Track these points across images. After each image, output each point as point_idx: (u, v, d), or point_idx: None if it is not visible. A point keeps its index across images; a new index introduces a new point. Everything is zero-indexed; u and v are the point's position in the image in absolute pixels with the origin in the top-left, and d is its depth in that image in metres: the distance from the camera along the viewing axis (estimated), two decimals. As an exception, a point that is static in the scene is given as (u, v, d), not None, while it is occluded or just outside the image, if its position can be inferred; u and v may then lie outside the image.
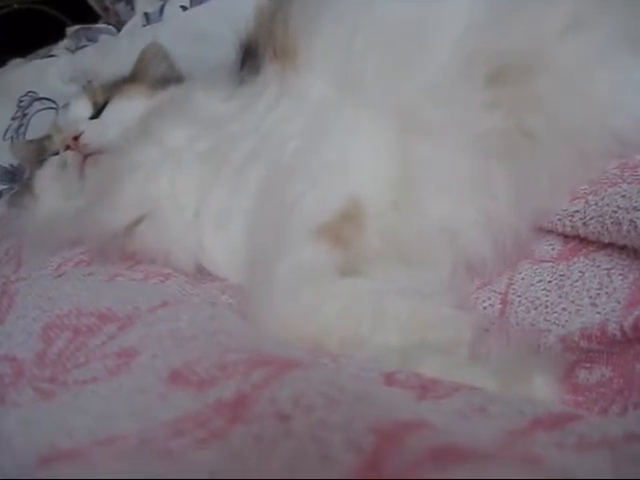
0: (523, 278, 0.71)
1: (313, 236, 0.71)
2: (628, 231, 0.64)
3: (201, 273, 0.82)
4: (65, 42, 1.53)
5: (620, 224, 0.64)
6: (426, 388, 0.49)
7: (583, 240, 0.70)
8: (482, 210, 0.72)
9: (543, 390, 0.56)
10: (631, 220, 0.63)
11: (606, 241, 0.67)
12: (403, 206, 0.74)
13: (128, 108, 0.98)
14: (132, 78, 1.09)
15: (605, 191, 0.68)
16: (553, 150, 0.72)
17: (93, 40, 1.48)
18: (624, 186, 0.67)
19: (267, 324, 0.65)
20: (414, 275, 0.72)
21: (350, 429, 0.34)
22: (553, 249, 0.71)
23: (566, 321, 0.63)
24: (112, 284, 0.74)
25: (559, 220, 0.71)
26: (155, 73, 1.09)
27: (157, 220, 0.84)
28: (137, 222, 0.85)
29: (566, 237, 0.72)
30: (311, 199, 0.74)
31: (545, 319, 0.65)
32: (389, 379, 0.52)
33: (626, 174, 0.69)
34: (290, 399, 0.38)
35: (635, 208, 0.63)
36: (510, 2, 0.76)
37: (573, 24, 0.73)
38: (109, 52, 1.33)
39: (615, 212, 0.65)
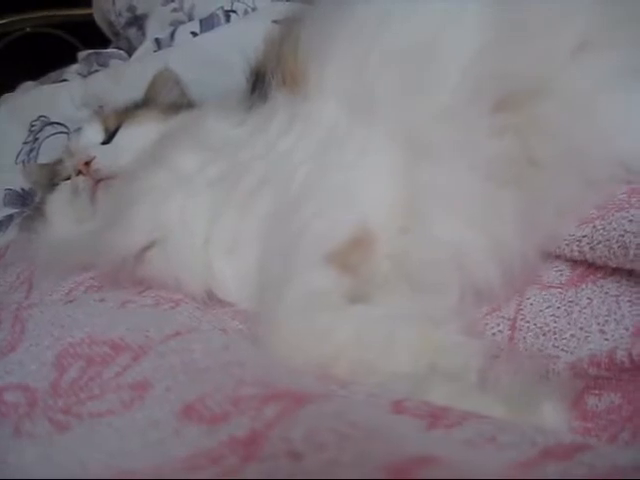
0: (532, 304, 0.71)
1: (322, 262, 0.71)
2: (635, 255, 0.64)
3: (211, 299, 0.83)
4: (77, 67, 1.54)
5: (627, 248, 0.65)
6: (436, 416, 0.49)
7: (591, 266, 0.70)
8: (490, 235, 0.72)
9: (552, 417, 0.56)
10: (638, 244, 0.64)
11: (613, 266, 0.67)
12: (412, 231, 0.75)
13: (139, 133, 0.99)
14: (143, 103, 1.10)
15: (612, 215, 0.69)
16: (560, 176, 0.72)
17: (104, 65, 1.50)
18: (632, 211, 0.68)
19: (276, 349, 0.66)
20: (422, 301, 0.72)
21: (361, 467, 0.34)
22: (561, 275, 0.72)
23: (575, 348, 0.64)
24: (123, 311, 0.75)
25: (567, 245, 0.71)
26: (166, 98, 1.10)
27: (168, 245, 0.84)
28: (148, 247, 0.85)
29: (574, 263, 0.72)
30: (320, 225, 0.74)
31: (554, 345, 0.65)
32: (398, 407, 0.52)
33: (633, 199, 0.69)
34: (302, 437, 0.38)
35: (644, 233, 0.62)
36: (520, 25, 0.77)
37: (582, 46, 0.73)
38: (120, 77, 1.34)
39: (622, 236, 0.66)
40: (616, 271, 0.68)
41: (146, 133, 0.98)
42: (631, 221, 0.66)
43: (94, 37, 1.71)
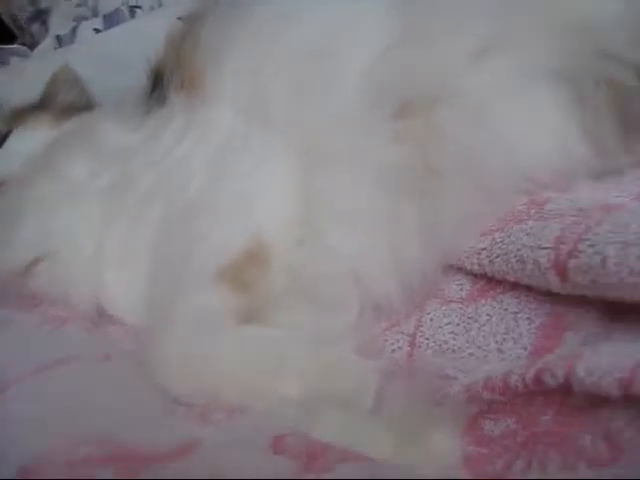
0: (432, 319, 0.69)
1: (213, 279, 0.68)
2: (532, 270, 0.62)
3: (101, 316, 0.78)
4: (-24, 64, 1.46)
5: (524, 262, 0.63)
6: (314, 456, 0.46)
7: (491, 280, 0.68)
8: (389, 247, 0.70)
9: (443, 445, 0.54)
10: (535, 259, 0.62)
11: (512, 280, 0.66)
12: (309, 243, 0.71)
13: (31, 138, 0.93)
14: (40, 104, 1.03)
15: (512, 228, 0.67)
16: (460, 185, 0.69)
17: (4, 62, 1.42)
18: (530, 223, 0.65)
19: (163, 373, 0.62)
20: (320, 318, 0.69)
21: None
22: (462, 289, 0.70)
23: (472, 368, 0.61)
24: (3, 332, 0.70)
25: (467, 258, 0.70)
26: (65, 99, 1.04)
27: (56, 259, 0.80)
28: (36, 261, 0.80)
29: (475, 276, 0.70)
30: (212, 238, 0.71)
31: (452, 365, 0.63)
32: (278, 444, 0.49)
33: (532, 211, 0.67)
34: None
35: (539, 247, 0.62)
36: (422, 29, 0.73)
37: (483, 51, 0.70)
38: (19, 75, 1.27)
39: (519, 250, 0.64)
40: (516, 286, 0.66)
41: (38, 138, 0.92)
42: (529, 234, 0.63)
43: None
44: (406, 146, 0.71)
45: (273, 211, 0.72)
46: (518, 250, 0.64)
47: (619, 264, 0.53)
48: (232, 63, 0.80)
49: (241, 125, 0.77)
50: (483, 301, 0.67)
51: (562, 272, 0.58)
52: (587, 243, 0.57)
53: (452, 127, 0.70)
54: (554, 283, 0.59)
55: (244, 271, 0.68)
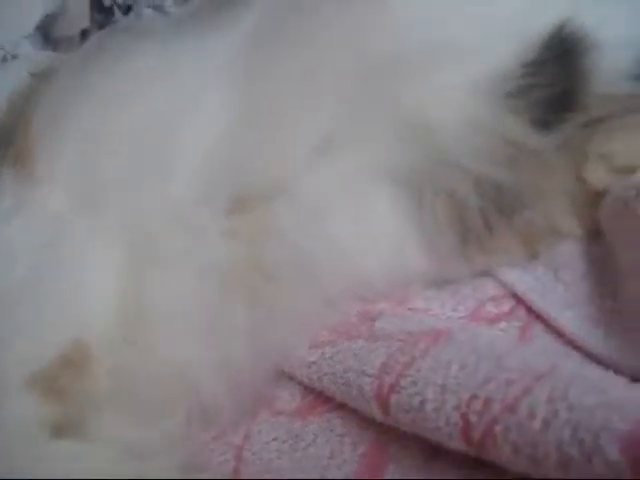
0: (260, 431, 0.66)
1: (24, 386, 0.63)
2: (356, 396, 0.59)
3: None
4: None
5: (350, 386, 0.60)
6: None
7: (321, 394, 0.64)
8: (219, 351, 0.66)
9: None
10: (359, 386, 0.59)
11: (339, 400, 0.62)
12: (135, 344, 0.66)
13: None
14: None
15: (342, 344, 0.64)
16: (294, 289, 0.66)
17: None
18: (359, 342, 0.63)
19: None
20: (144, 426, 0.63)
21: None
22: (293, 400, 0.67)
23: (293, 497, 0.57)
24: None
25: (298, 368, 0.66)
26: None
27: None
28: None
29: (306, 388, 0.66)
30: (27, 339, 0.65)
31: (274, 492, 0.58)
32: None
33: (364, 327, 0.65)
34: None
35: (364, 372, 0.59)
36: (263, 118, 0.70)
37: (324, 148, 0.67)
38: None
39: (346, 372, 0.61)
40: (345, 405, 0.62)
41: None
42: (356, 355, 0.61)
43: None
44: (239, 244, 0.67)
45: (96, 308, 0.67)
46: (345, 372, 0.61)
47: (437, 410, 0.51)
48: (67, 139, 0.73)
49: (70, 209, 0.71)
50: (311, 417, 0.64)
51: (384, 405, 0.56)
52: (409, 379, 0.55)
53: (288, 226, 0.67)
54: (377, 414, 0.57)
55: (59, 378, 0.63)
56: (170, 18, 0.97)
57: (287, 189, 0.67)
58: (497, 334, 0.62)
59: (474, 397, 0.49)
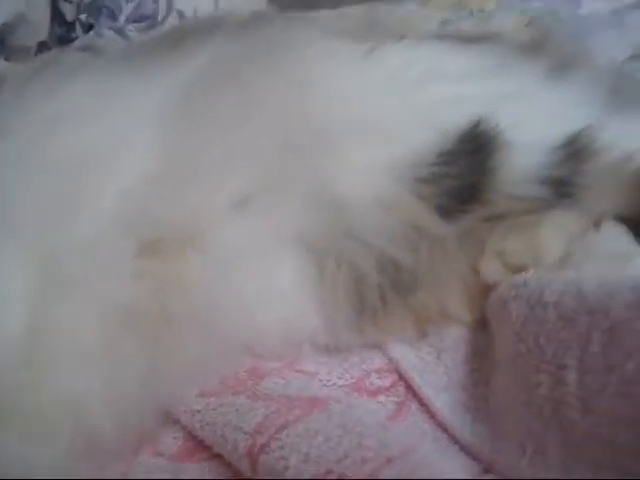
0: (138, 471, 0.66)
1: None
2: (231, 451, 0.61)
3: None
4: None
5: (227, 440, 0.62)
6: None
7: (202, 442, 0.66)
8: (110, 387, 0.67)
9: None
10: (234, 441, 0.61)
11: (215, 451, 0.64)
12: (34, 365, 0.67)
13: None
14: None
15: (227, 397, 0.67)
16: (192, 337, 0.68)
17: None
18: (242, 398, 0.66)
19: None
20: (31, 446, 0.64)
21: None
22: (174, 444, 0.68)
23: None
24: None
25: (184, 413, 0.68)
26: None
27: None
28: None
29: (190, 433, 0.67)
30: None
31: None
32: None
33: (250, 382, 0.68)
34: None
35: (241, 429, 0.61)
36: (182, 165, 0.72)
37: (241, 203, 0.69)
38: None
39: (225, 426, 0.63)
40: (221, 455, 0.63)
41: None
42: (237, 411, 0.63)
43: None
44: (146, 285, 0.68)
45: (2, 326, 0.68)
46: (224, 425, 0.63)
47: (296, 477, 0.53)
48: None
49: None
50: (188, 463, 0.65)
51: (253, 464, 0.58)
52: (278, 443, 0.57)
53: (196, 275, 0.69)
54: (247, 472, 0.59)
55: None
56: (118, 50, 0.98)
57: (201, 239, 0.69)
58: (373, 408, 0.65)
59: (330, 471, 0.52)
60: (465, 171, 0.69)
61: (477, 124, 0.70)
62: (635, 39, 1.30)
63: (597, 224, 0.72)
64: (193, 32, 0.85)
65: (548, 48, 0.89)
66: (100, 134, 0.73)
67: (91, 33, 1.57)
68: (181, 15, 1.66)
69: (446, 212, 0.69)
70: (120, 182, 0.71)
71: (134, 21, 1.61)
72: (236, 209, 0.70)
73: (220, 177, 0.71)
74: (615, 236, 0.70)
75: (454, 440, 0.61)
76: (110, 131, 0.74)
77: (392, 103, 0.73)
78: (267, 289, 0.70)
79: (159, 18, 1.63)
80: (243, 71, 0.74)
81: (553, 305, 0.55)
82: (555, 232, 0.70)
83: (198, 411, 0.66)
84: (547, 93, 0.78)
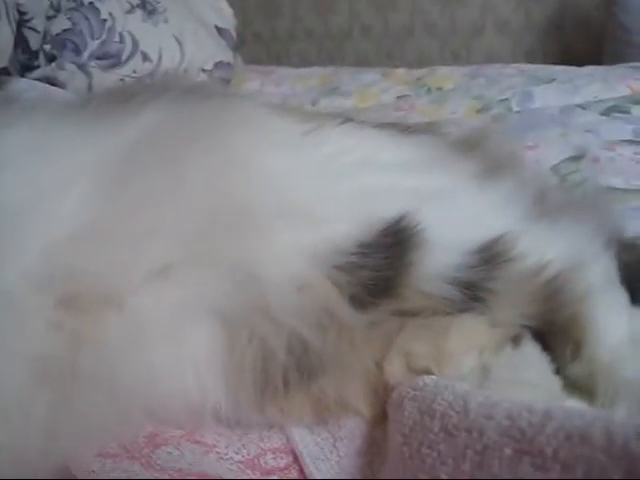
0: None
1: None
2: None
3: None
4: None
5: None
6: None
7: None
8: (11, 438, 0.67)
9: None
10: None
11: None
12: None
13: None
14: None
15: (122, 462, 0.68)
16: (97, 397, 0.69)
17: None
18: (136, 465, 0.67)
19: None
20: None
21: None
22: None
23: None
24: None
25: (80, 472, 0.68)
26: None
27: None
28: None
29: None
30: None
31: None
32: None
33: (146, 451, 0.69)
34: None
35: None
36: (112, 225, 0.72)
37: (161, 271, 0.70)
38: None
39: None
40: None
41: None
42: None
43: None
44: (61, 338, 0.69)
45: None
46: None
47: None
48: None
49: None
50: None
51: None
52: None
53: (110, 336, 0.69)
54: None
55: None
56: (64, 100, 0.99)
57: (119, 301, 0.70)
58: (261, 491, 0.65)
59: None
60: (382, 264, 0.71)
61: (400, 219, 0.72)
62: (577, 140, 1.34)
63: (516, 340, 0.73)
64: (140, 93, 0.86)
65: (483, 148, 0.91)
66: (34, 187, 0.74)
67: (53, 65, 1.58)
68: (145, 57, 1.67)
69: (359, 302, 0.70)
70: (47, 236, 0.71)
71: (97, 58, 1.62)
72: (156, 276, 0.71)
73: (144, 243, 0.72)
74: (530, 363, 0.72)
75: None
76: (44, 185, 0.75)
77: (320, 189, 0.74)
78: (176, 357, 0.71)
79: (123, 58, 1.64)
80: (181, 143, 0.76)
81: (440, 415, 0.56)
82: (463, 341, 0.72)
83: (93, 471, 0.67)
84: (473, 195, 0.80)
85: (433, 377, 0.66)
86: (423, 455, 0.55)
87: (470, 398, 0.55)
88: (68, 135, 0.79)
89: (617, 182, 1.19)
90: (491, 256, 0.73)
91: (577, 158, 1.28)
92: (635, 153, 1.26)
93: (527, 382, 0.69)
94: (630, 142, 1.30)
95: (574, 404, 0.65)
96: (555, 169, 1.24)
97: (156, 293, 0.71)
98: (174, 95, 0.84)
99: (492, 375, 0.69)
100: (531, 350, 0.73)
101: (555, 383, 0.70)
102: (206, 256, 0.71)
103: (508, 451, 0.48)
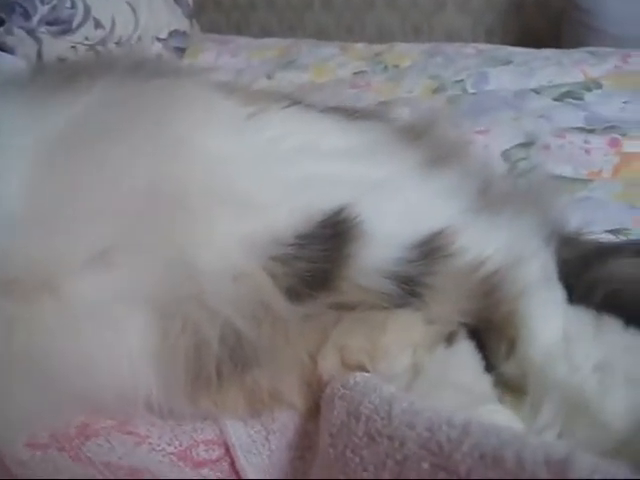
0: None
1: None
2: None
3: None
4: None
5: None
6: None
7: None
8: None
9: None
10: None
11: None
12: None
13: None
14: None
15: (52, 453, 0.68)
16: (28, 384, 0.69)
17: None
18: (65, 457, 0.67)
19: None
20: None
21: None
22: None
23: None
24: None
25: (11, 463, 0.68)
26: None
27: None
28: None
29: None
30: None
31: None
32: None
33: (76, 442, 0.69)
34: None
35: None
36: (49, 208, 0.71)
37: (98, 257, 0.69)
38: None
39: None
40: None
41: None
42: (57, 470, 0.65)
43: None
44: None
45: None
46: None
47: None
48: None
49: None
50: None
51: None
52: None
53: (47, 322, 0.69)
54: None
55: None
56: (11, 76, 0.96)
57: (56, 287, 0.69)
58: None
59: None
60: (319, 256, 0.70)
61: (339, 211, 0.71)
62: (529, 126, 1.34)
63: (450, 337, 0.73)
64: (86, 70, 0.84)
65: (430, 136, 0.91)
66: None
67: (1, 29, 1.53)
68: (97, 24, 1.63)
69: (295, 294, 0.70)
70: None
71: (48, 23, 1.58)
72: (93, 262, 0.70)
73: (80, 229, 0.71)
74: (461, 364, 0.72)
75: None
76: None
77: (260, 175, 0.73)
78: (109, 346, 0.70)
79: (74, 24, 1.61)
80: (123, 124, 0.74)
81: (365, 419, 0.56)
82: (398, 338, 0.72)
83: (24, 462, 0.67)
84: (416, 186, 0.80)
85: (365, 375, 0.66)
86: (347, 459, 0.55)
87: (395, 403, 0.55)
88: (10, 116, 0.77)
89: (566, 170, 1.19)
90: (430, 250, 0.73)
91: (527, 145, 1.28)
92: (585, 142, 1.26)
93: (454, 385, 0.69)
94: (581, 130, 1.30)
95: (496, 409, 0.65)
96: (505, 155, 1.23)
97: (92, 280, 0.70)
98: (121, 73, 0.81)
99: (422, 375, 0.69)
100: (464, 350, 0.73)
101: (484, 385, 0.70)
102: (143, 242, 0.70)
103: (425, 465, 0.48)
